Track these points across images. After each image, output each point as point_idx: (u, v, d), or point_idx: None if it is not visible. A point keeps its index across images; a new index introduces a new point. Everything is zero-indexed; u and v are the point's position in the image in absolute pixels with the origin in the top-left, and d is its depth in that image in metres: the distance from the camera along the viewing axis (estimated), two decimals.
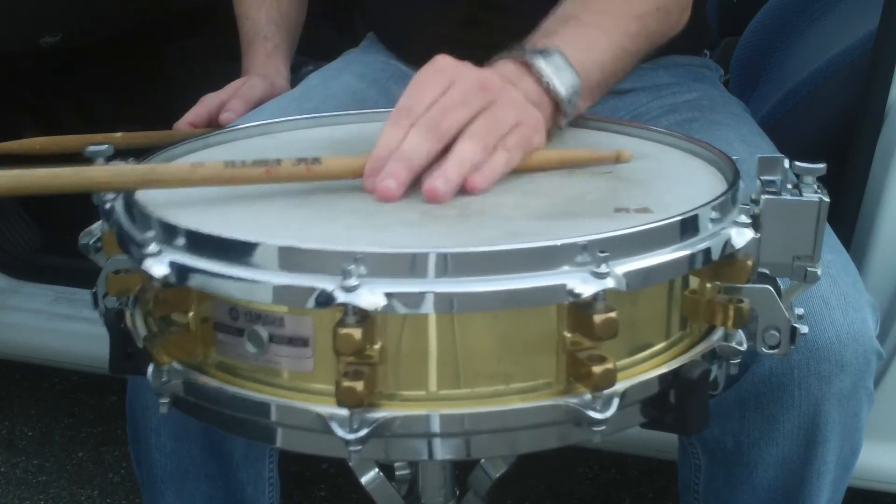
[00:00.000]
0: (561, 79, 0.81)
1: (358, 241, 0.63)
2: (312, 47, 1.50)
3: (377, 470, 0.96)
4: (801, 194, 0.67)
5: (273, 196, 0.74)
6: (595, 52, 0.88)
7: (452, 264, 0.57)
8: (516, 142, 0.75)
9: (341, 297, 0.56)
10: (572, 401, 0.60)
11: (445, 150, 0.72)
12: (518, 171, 0.76)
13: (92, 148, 0.75)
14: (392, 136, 0.72)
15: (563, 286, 0.57)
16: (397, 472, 1.00)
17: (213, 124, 1.24)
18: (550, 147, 0.83)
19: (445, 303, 0.57)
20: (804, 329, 0.69)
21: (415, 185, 0.75)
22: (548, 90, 0.81)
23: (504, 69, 0.80)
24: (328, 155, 0.84)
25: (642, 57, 0.96)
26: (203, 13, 2.19)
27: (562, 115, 0.83)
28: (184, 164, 0.77)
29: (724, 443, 1.00)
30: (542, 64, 0.80)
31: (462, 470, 0.94)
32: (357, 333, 0.56)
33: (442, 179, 0.70)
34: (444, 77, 0.75)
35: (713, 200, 0.65)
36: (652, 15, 0.95)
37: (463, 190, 0.71)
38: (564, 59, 0.81)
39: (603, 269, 0.57)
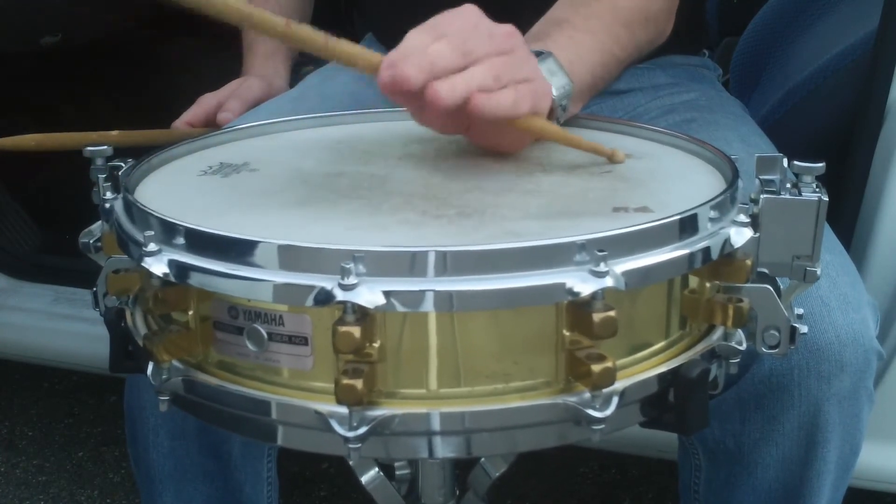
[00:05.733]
0: (553, 82, 0.81)
1: (357, 240, 0.63)
2: None
3: (377, 469, 0.96)
4: (799, 193, 0.67)
5: (273, 196, 0.74)
6: (586, 56, 0.88)
7: (452, 263, 0.57)
8: (527, 90, 0.74)
9: (340, 295, 0.56)
10: (571, 399, 0.60)
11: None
12: (517, 168, 0.76)
13: (91, 149, 0.75)
14: (417, 40, 0.70)
15: (563, 285, 0.57)
16: (397, 472, 1.00)
17: (210, 124, 1.25)
18: (547, 146, 0.83)
19: (445, 301, 0.57)
20: (804, 329, 0.69)
21: (414, 186, 0.75)
22: None
23: None
24: (326, 155, 0.84)
25: (630, 63, 0.97)
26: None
27: (553, 119, 0.83)
28: None
29: (724, 443, 1.00)
30: None
31: (462, 469, 0.93)
32: (356, 332, 0.56)
33: (448, 85, 0.69)
34: (476, 15, 0.74)
35: (712, 200, 0.65)
36: (640, 24, 0.96)
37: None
38: (557, 63, 0.82)
39: (602, 267, 0.57)
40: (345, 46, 0.71)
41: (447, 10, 0.74)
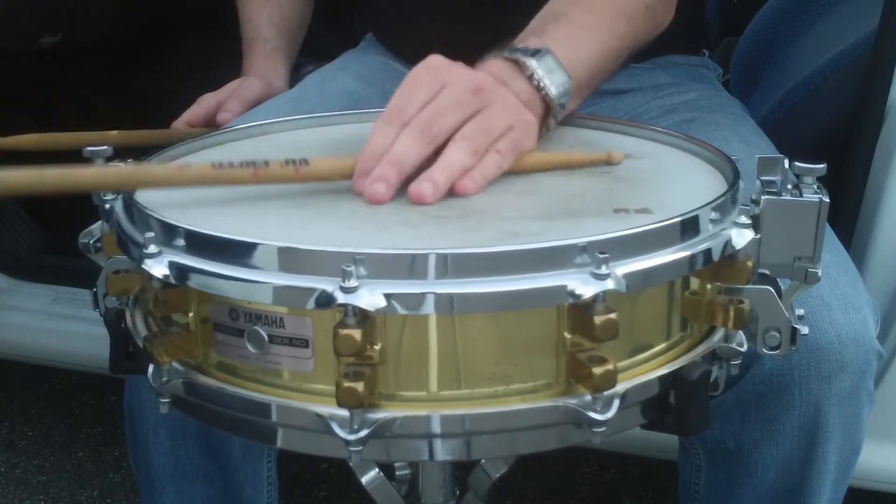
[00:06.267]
0: (552, 80, 0.81)
1: (358, 241, 0.63)
2: (313, 48, 1.50)
3: (377, 470, 0.96)
4: (801, 195, 0.67)
5: (273, 197, 0.74)
6: (584, 51, 0.87)
7: (452, 265, 0.57)
8: (508, 145, 0.75)
9: (341, 297, 0.56)
10: (572, 402, 0.60)
11: (437, 152, 0.72)
12: (512, 172, 0.76)
13: (91, 149, 0.75)
14: (383, 138, 0.72)
15: (564, 287, 0.57)
16: (397, 472, 1.00)
17: (210, 124, 1.24)
18: (547, 147, 0.83)
19: (446, 304, 0.57)
20: (804, 330, 0.69)
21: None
22: (539, 91, 0.80)
23: (496, 69, 0.80)
24: (324, 155, 0.84)
25: (629, 55, 0.96)
26: (202, 13, 2.19)
27: (552, 116, 0.83)
28: (171, 166, 0.76)
29: (724, 443, 1.00)
30: (534, 65, 0.80)
31: (462, 470, 0.93)
32: (357, 334, 0.56)
33: (430, 183, 0.70)
34: (437, 78, 0.74)
35: (713, 201, 0.65)
36: (640, 14, 0.95)
37: (452, 193, 0.71)
38: (556, 61, 0.81)
39: (603, 270, 0.57)
40: (314, 168, 0.72)
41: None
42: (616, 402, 0.60)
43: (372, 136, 0.72)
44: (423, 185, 0.70)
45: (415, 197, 0.70)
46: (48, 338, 1.74)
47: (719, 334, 0.69)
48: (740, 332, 0.69)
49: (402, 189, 0.74)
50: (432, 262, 0.57)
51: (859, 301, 0.93)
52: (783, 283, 0.70)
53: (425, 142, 0.71)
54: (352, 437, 0.59)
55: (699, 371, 0.65)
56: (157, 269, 0.61)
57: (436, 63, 0.75)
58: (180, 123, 1.26)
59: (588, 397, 0.60)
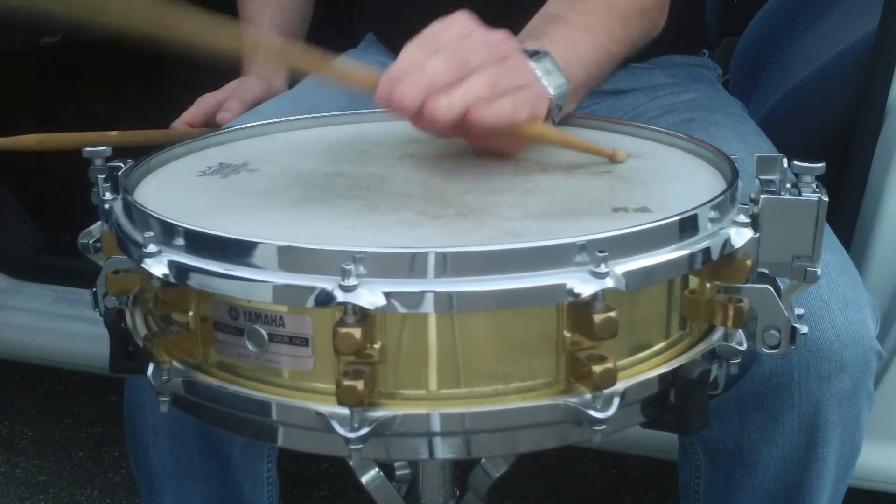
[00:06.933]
0: (550, 81, 0.81)
1: (357, 240, 0.63)
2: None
3: (377, 469, 0.96)
4: (799, 194, 0.67)
5: (272, 196, 0.74)
6: (581, 53, 0.88)
7: (451, 264, 0.57)
8: (525, 97, 0.75)
9: (341, 296, 0.56)
10: (572, 400, 0.60)
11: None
12: (516, 168, 0.76)
13: (90, 149, 0.75)
14: (414, 56, 0.72)
15: (563, 286, 0.57)
16: (397, 472, 1.00)
17: (210, 124, 1.25)
18: (546, 147, 0.83)
19: (445, 302, 0.57)
20: (804, 329, 0.69)
21: (413, 186, 0.75)
22: None
23: None
24: (325, 156, 0.85)
25: (625, 58, 0.97)
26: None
27: (549, 118, 0.83)
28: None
29: (724, 443, 1.00)
30: (532, 66, 0.80)
31: (462, 470, 0.93)
32: (357, 333, 0.56)
33: (446, 102, 0.70)
34: (468, 24, 0.75)
35: (712, 200, 0.65)
36: (636, 18, 0.96)
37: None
38: (554, 63, 0.82)
39: (602, 268, 0.57)
40: (341, 65, 0.72)
41: (445, 9, 0.75)
42: (616, 401, 0.60)
43: (402, 54, 0.73)
44: (440, 101, 0.70)
45: (429, 111, 0.70)
46: (48, 338, 1.74)
47: (719, 333, 0.69)
48: (740, 331, 0.69)
49: (401, 188, 0.74)
50: (431, 260, 0.57)
51: (859, 301, 0.93)
52: (782, 283, 0.70)
53: (456, 67, 0.71)
54: (352, 435, 0.59)
55: (699, 370, 0.65)
56: (157, 268, 0.62)
57: (465, 15, 0.76)
58: (180, 123, 1.26)
59: (588, 396, 0.60)
